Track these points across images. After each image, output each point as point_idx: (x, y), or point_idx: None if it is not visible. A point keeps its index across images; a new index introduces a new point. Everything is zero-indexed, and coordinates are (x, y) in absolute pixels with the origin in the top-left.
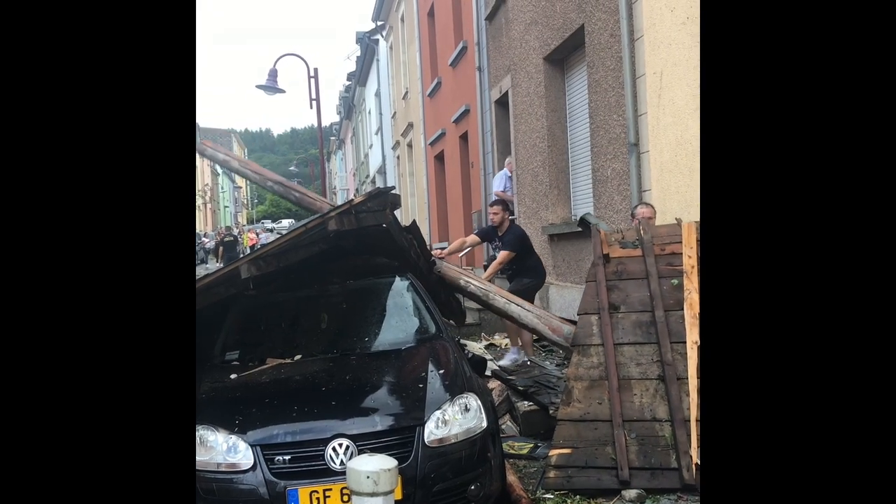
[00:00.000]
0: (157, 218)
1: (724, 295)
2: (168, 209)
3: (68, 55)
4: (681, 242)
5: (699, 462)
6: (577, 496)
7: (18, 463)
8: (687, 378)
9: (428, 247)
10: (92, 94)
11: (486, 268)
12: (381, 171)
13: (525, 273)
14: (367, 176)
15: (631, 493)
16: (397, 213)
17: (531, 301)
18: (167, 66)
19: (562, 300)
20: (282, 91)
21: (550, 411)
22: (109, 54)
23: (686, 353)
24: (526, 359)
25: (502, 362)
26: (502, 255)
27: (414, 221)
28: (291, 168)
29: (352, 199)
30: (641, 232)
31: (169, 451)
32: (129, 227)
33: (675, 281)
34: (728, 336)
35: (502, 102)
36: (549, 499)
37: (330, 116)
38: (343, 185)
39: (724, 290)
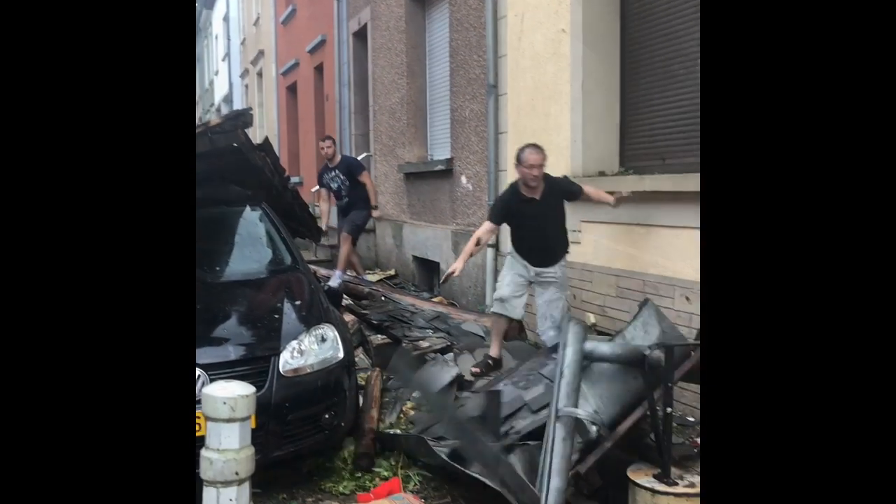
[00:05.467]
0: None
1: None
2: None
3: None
4: None
5: None
6: None
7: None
8: None
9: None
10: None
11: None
12: (228, 99)
13: (356, 205)
14: (212, 105)
15: None
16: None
17: (358, 235)
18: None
19: (415, 238)
20: None
21: (403, 344)
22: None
23: None
24: (357, 276)
25: (331, 283)
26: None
27: (266, 139)
28: None
29: (208, 121)
30: None
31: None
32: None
33: None
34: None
35: (361, 35)
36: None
37: None
38: None
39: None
